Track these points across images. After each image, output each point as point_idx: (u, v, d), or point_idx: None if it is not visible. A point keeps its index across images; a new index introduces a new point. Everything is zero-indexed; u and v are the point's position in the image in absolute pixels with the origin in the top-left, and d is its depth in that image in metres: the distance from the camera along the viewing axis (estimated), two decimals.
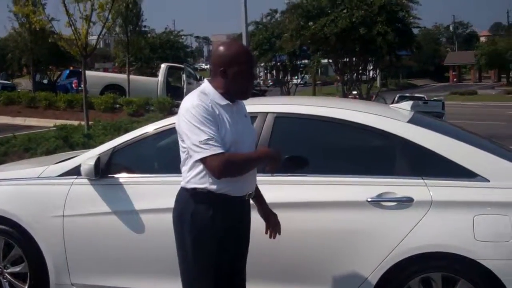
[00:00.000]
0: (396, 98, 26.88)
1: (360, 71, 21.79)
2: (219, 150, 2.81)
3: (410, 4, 18.71)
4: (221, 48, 3.01)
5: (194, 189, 2.95)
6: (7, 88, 25.52)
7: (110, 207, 3.97)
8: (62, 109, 18.42)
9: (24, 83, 36.56)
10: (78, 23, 10.43)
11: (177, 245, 3.06)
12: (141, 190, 3.99)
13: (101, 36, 10.91)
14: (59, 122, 14.86)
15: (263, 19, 29.85)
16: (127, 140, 4.14)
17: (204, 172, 2.91)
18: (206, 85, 3.01)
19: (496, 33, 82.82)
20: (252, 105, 3.92)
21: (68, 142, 9.74)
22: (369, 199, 3.48)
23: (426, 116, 4.57)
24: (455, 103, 36.94)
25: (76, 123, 13.60)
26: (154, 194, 3.92)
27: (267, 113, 3.87)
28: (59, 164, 4.31)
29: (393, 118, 3.83)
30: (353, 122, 3.76)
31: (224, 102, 2.95)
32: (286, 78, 32.10)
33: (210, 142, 2.80)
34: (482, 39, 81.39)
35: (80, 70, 23.85)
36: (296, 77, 34.88)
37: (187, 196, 3.00)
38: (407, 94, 30.68)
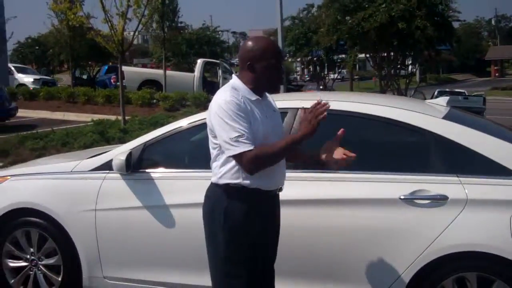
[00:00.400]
0: (435, 93, 26.43)
1: (399, 66, 21.51)
2: (249, 148, 2.80)
3: None
4: (248, 43, 3.01)
5: (227, 184, 2.94)
6: (48, 84, 26.00)
7: (141, 201, 3.99)
8: (100, 104, 18.66)
9: (65, 79, 37.33)
10: (114, 20, 10.55)
11: (208, 241, 3.05)
12: (172, 185, 4.00)
13: (137, 32, 10.96)
14: (97, 117, 15.10)
15: (300, 14, 29.75)
16: (159, 135, 4.16)
17: (237, 167, 2.90)
18: (235, 80, 3.00)
19: None
20: (283, 101, 3.90)
21: (104, 136, 9.87)
22: (402, 197, 3.41)
23: (462, 111, 4.45)
24: (496, 98, 36.09)
25: (113, 118, 13.74)
26: (185, 189, 3.93)
27: (298, 109, 3.82)
28: (92, 158, 4.35)
29: (427, 114, 3.74)
30: (386, 118, 3.68)
31: (254, 97, 2.94)
32: (322, 73, 31.94)
33: (240, 139, 2.79)
34: None
35: (116, 65, 24.34)
36: (333, 72, 34.68)
37: (219, 192, 2.98)
38: (447, 89, 30.15)
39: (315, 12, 27.31)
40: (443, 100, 4.23)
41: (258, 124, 2.89)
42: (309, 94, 4.90)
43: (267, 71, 2.94)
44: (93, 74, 30.08)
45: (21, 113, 17.83)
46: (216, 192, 3.00)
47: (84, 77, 30.14)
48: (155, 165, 4.13)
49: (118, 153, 4.05)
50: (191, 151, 4.34)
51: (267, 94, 3.12)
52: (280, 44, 13.80)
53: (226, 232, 2.93)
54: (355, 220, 3.52)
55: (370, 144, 3.89)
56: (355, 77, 52.54)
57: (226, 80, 21.70)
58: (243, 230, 2.92)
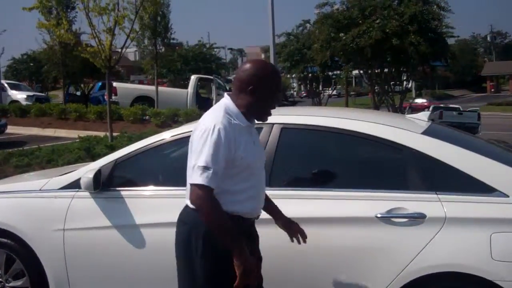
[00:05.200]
0: (430, 109, 26.42)
1: (393, 82, 21.46)
2: (207, 183, 2.67)
3: (442, 12, 18.30)
4: (252, 65, 2.88)
5: None
6: (41, 100, 25.90)
7: (111, 221, 3.84)
8: (92, 120, 18.55)
9: (60, 95, 37.20)
10: (102, 35, 10.46)
11: (183, 268, 2.88)
12: (143, 204, 3.85)
13: (125, 48, 10.86)
14: (87, 133, 14.97)
15: (295, 30, 29.77)
16: (130, 152, 4.02)
17: (218, 192, 2.74)
18: (228, 103, 2.86)
19: None
20: None
21: (90, 153, 9.70)
22: (378, 215, 3.26)
23: (444, 127, 4.31)
24: (492, 113, 36.06)
25: (104, 134, 13.61)
26: (156, 208, 3.78)
27: (273, 124, 3.68)
28: (61, 176, 4.20)
29: (405, 129, 3.60)
30: (363, 133, 3.54)
31: (245, 123, 2.84)
32: (318, 89, 31.90)
33: (206, 172, 2.67)
34: None
35: (111, 82, 24.24)
36: (329, 88, 34.66)
37: (197, 217, 2.78)
38: (442, 105, 30.12)
39: (311, 29, 27.29)
40: (424, 115, 4.13)
41: (244, 151, 2.77)
42: (286, 109, 4.76)
43: (266, 99, 2.84)
44: (87, 91, 29.97)
45: (12, 129, 17.71)
46: (194, 217, 2.80)
47: (78, 93, 30.04)
48: (126, 183, 3.99)
49: (87, 171, 3.90)
50: (164, 168, 4.19)
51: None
52: (272, 61, 13.69)
53: (205, 260, 2.76)
54: (330, 239, 3.36)
55: (346, 160, 3.74)
56: (351, 93, 52.65)
57: (220, 96, 21.63)
58: (225, 256, 2.72)
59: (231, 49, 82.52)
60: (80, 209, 3.95)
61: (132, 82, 38.35)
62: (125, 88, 22.82)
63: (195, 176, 2.69)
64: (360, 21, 17.92)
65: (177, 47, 31.75)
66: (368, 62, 19.34)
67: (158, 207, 3.77)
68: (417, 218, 3.21)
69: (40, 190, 4.14)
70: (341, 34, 17.88)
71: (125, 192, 3.89)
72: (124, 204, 3.84)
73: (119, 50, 11.43)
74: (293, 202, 3.44)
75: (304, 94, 43.15)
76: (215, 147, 2.68)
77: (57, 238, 3.95)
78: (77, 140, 12.46)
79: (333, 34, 18.30)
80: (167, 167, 4.19)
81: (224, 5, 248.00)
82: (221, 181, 2.73)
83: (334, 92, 46.67)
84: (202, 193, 2.67)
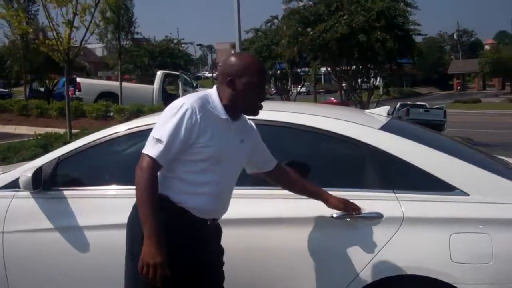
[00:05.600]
0: (397, 106, 26.56)
1: (361, 79, 21.43)
2: (155, 155, 2.55)
3: (408, 9, 18.30)
4: (232, 58, 2.76)
5: None
6: (3, 97, 25.26)
7: (53, 223, 3.59)
8: (54, 117, 18.11)
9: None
10: (61, 28, 10.10)
11: (126, 258, 2.75)
12: (88, 204, 3.61)
13: (87, 42, 10.52)
14: (49, 130, 14.55)
15: (263, 26, 29.50)
16: (75, 149, 3.77)
17: (169, 176, 2.64)
18: (213, 92, 2.73)
19: (501, 41, 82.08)
20: None
21: (47, 150, 9.35)
22: (334, 215, 3.08)
23: (405, 122, 4.17)
24: (458, 111, 36.54)
25: (64, 131, 13.23)
26: (104, 209, 3.54)
27: None
28: (1, 175, 3.92)
29: (362, 124, 3.43)
30: (316, 128, 3.36)
31: (223, 116, 2.67)
32: (287, 86, 31.72)
33: (158, 144, 2.56)
34: (487, 47, 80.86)
35: (75, 77, 23.74)
36: (299, 86, 34.52)
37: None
38: (409, 102, 30.34)
39: (278, 24, 27.08)
40: (383, 110, 3.93)
41: (209, 141, 2.61)
42: None
43: (246, 89, 2.67)
44: (51, 87, 29.30)
45: None
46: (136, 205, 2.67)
47: (42, 89, 29.34)
48: (71, 182, 3.74)
49: (27, 169, 3.64)
50: (115, 166, 3.96)
51: (249, 123, 2.89)
52: None
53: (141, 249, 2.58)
54: (283, 240, 3.17)
55: (300, 157, 3.55)
56: (320, 90, 52.75)
57: (186, 92, 21.33)
58: (170, 253, 2.54)
59: (200, 45, 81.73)
60: (20, 210, 3.68)
61: (100, 78, 37.75)
62: (89, 84, 22.42)
63: (147, 146, 2.60)
64: (326, 17, 17.80)
65: (144, 42, 31.25)
66: (335, 59, 19.24)
67: (105, 208, 3.54)
68: (374, 218, 3.04)
69: None
70: (308, 29, 17.74)
71: (69, 192, 3.64)
72: (68, 205, 3.59)
73: (85, 44, 11.07)
74: (242, 202, 3.19)
75: (274, 91, 43.04)
76: (176, 124, 2.56)
77: None
78: (36, 137, 12.06)
79: (300, 30, 18.15)
80: (118, 164, 3.96)
81: (194, 1, 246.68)
82: (175, 164, 2.61)
83: (303, 89, 46.64)
84: (145, 164, 2.56)
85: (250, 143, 2.89)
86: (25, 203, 3.66)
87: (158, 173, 2.61)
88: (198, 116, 2.58)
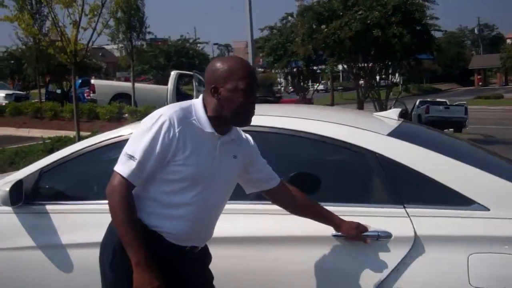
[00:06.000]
0: (417, 103, 26.06)
1: (379, 76, 21.03)
2: (127, 174, 2.28)
3: (426, 3, 17.84)
4: (215, 62, 2.43)
5: None
6: (20, 99, 25.25)
7: (35, 240, 3.31)
8: (68, 119, 17.96)
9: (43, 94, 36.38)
10: (68, 29, 9.90)
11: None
12: (74, 220, 3.33)
13: (92, 43, 10.27)
14: (62, 133, 14.43)
15: (278, 24, 29.19)
16: (58, 159, 3.48)
17: (142, 196, 2.34)
18: (197, 102, 2.41)
19: None
20: None
21: None
22: (334, 233, 2.75)
23: (418, 126, 3.80)
24: (479, 107, 35.84)
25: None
26: (89, 225, 3.25)
27: None
28: None
29: (367, 129, 3.07)
30: (314, 134, 3.00)
31: (208, 129, 2.34)
32: (304, 84, 31.38)
33: (130, 162, 2.27)
34: (509, 41, 79.46)
35: (89, 79, 23.64)
36: (316, 83, 34.19)
37: (112, 223, 2.40)
38: (429, 99, 29.78)
39: (293, 21, 26.75)
40: (394, 113, 3.55)
41: (187, 159, 2.29)
42: None
43: (232, 97, 2.33)
44: (67, 89, 29.28)
45: None
46: (111, 223, 2.42)
47: (58, 91, 29.36)
48: (55, 196, 3.48)
49: (5, 182, 3.36)
50: (100, 178, 3.66)
51: (238, 130, 2.55)
52: (250, 59, 13.08)
53: (113, 276, 2.38)
54: (280, 262, 2.85)
55: (299, 167, 3.18)
56: (339, 88, 52.27)
57: (200, 92, 21.10)
58: (129, 280, 2.28)
59: (217, 44, 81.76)
60: (1, 226, 3.43)
61: (118, 79, 37.72)
62: (104, 86, 22.31)
63: (118, 163, 2.34)
64: (341, 13, 17.41)
65: (159, 42, 31.13)
66: (351, 56, 18.84)
67: (91, 224, 3.25)
68: (382, 238, 2.70)
69: None
70: (323, 26, 17.36)
71: (53, 207, 3.37)
72: (50, 221, 3.32)
73: (92, 45, 10.83)
74: (233, 218, 2.87)
75: (292, 90, 42.67)
76: (151, 139, 2.27)
77: None
78: (47, 141, 11.89)
79: (315, 27, 17.78)
80: (107, 176, 3.67)
81: (211, 1, 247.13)
82: (149, 183, 2.33)
83: (321, 87, 46.17)
84: (117, 183, 2.29)
85: (245, 158, 2.58)
86: (6, 219, 3.39)
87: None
88: (177, 130, 2.28)
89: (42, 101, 21.50)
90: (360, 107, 20.13)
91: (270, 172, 2.70)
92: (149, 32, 23.41)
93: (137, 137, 2.32)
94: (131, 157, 2.28)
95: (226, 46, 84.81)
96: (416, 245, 2.66)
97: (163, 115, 2.29)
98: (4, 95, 26.66)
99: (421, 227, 2.68)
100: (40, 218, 3.34)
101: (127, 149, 2.33)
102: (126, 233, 2.26)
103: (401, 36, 16.47)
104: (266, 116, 3.11)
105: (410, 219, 2.70)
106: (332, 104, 31.09)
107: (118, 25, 17.79)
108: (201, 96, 2.45)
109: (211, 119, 2.36)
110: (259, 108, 2.53)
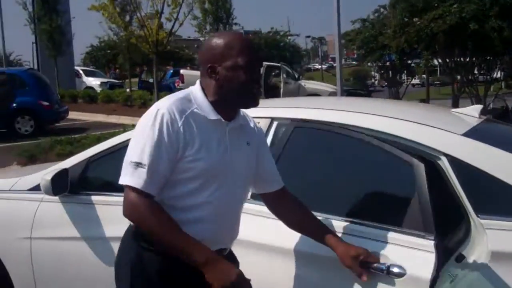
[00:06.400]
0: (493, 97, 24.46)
1: (476, 71, 19.91)
2: (140, 185, 1.97)
3: None
4: (211, 39, 2.15)
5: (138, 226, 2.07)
6: (114, 87, 26.15)
7: (79, 231, 3.21)
8: None
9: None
10: (151, 21, 9.97)
11: None
12: (115, 212, 3.17)
13: (172, 34, 10.28)
14: None
15: (371, 16, 28.36)
16: (106, 149, 3.34)
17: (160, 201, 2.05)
18: (196, 88, 2.13)
19: None
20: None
21: None
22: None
23: (505, 126, 3.29)
24: None
25: None
26: None
27: (271, 118, 2.88)
28: (32, 175, 3.57)
29: (439, 128, 2.66)
30: (376, 131, 2.61)
31: (213, 116, 2.06)
32: (398, 78, 30.38)
33: (139, 168, 1.97)
34: None
35: (179, 69, 23.99)
36: (414, 77, 33.06)
37: (128, 236, 2.15)
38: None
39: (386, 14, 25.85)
40: (475, 109, 3.09)
41: (198, 152, 2.00)
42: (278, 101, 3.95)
43: (233, 75, 2.04)
44: (160, 78, 30.04)
45: (77, 115, 17.78)
46: (126, 236, 2.16)
47: (151, 80, 30.19)
48: (102, 186, 3.34)
49: (49, 171, 3.25)
50: None
51: (245, 116, 2.25)
52: (337, 50, 12.59)
53: None
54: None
55: (349, 170, 2.75)
56: (436, 82, 50.30)
57: (287, 84, 20.92)
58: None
59: (309, 36, 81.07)
60: (47, 215, 3.34)
61: None
62: (192, 75, 22.51)
63: (125, 176, 2.03)
64: (436, 4, 16.49)
65: (250, 35, 31.22)
66: (445, 50, 17.87)
67: None
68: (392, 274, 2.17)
69: (9, 190, 3.56)
70: (415, 19, 16.54)
71: (98, 197, 3.22)
72: (95, 212, 3.19)
73: (173, 35, 10.89)
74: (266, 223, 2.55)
75: (386, 84, 41.56)
76: (155, 138, 1.98)
77: (24, 247, 3.38)
78: (127, 128, 12.09)
79: (407, 19, 16.99)
80: None
81: None
82: (162, 190, 2.04)
83: (417, 81, 44.60)
84: (135, 200, 1.98)
85: (256, 147, 2.27)
86: (53, 208, 3.31)
87: None
88: (180, 124, 1.99)
89: (132, 89, 22.12)
90: (455, 103, 19.12)
91: (275, 173, 2.35)
92: (236, 24, 23.41)
93: (138, 140, 2.03)
94: (138, 164, 1.99)
95: (319, 39, 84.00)
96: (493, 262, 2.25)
97: (161, 109, 2.01)
98: (99, 83, 27.71)
99: (496, 242, 2.26)
100: (86, 208, 3.22)
101: (130, 156, 2.03)
102: (177, 241, 1.97)
103: (500, 30, 15.39)
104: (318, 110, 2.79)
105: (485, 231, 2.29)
106: (425, 100, 29.95)
107: (205, 16, 17.86)
108: (198, 81, 2.15)
109: (214, 104, 2.07)
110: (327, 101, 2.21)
